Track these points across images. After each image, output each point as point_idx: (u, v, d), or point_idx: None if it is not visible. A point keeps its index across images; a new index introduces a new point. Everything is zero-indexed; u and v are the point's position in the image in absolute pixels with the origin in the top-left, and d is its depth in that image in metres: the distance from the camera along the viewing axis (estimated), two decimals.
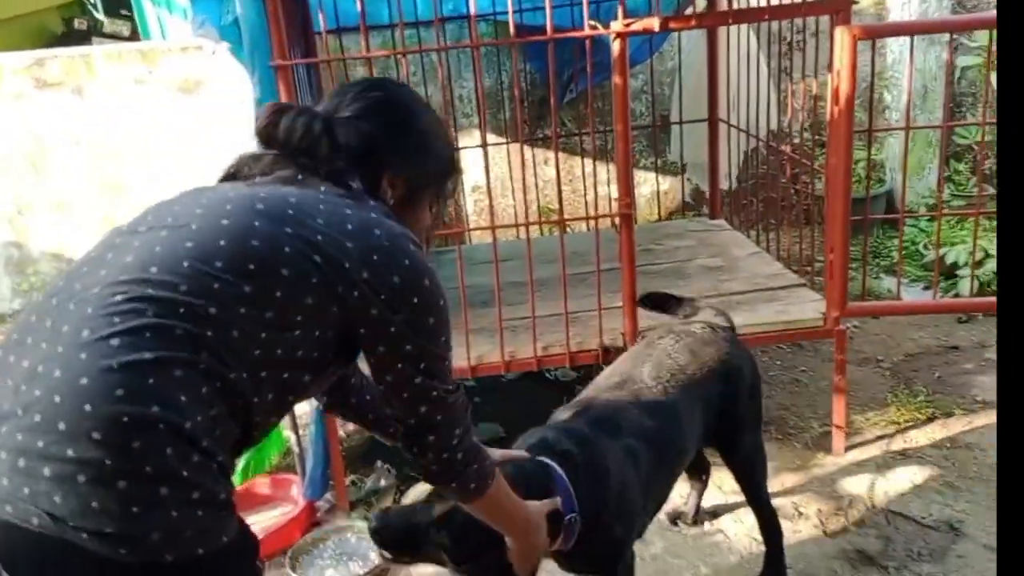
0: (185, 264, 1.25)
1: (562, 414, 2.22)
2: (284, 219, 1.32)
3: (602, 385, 2.35)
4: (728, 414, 2.42)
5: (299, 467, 3.13)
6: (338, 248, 1.34)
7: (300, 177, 1.44)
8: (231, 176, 1.51)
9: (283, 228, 1.31)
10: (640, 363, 2.35)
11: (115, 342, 1.18)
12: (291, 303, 1.30)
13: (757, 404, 2.55)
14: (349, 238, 1.35)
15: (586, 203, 4.51)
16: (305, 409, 3.18)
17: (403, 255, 1.39)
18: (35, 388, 1.18)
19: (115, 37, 7.43)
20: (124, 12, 7.45)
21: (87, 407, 1.15)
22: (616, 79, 2.79)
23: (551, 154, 5.24)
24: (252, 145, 2.83)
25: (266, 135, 1.49)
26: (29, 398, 1.17)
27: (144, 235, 1.32)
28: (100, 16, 7.38)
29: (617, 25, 2.73)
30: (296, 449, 3.11)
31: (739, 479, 2.56)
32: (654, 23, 2.72)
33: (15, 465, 1.15)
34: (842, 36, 2.78)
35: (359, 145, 1.49)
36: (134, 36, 6.92)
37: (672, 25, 2.90)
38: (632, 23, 2.74)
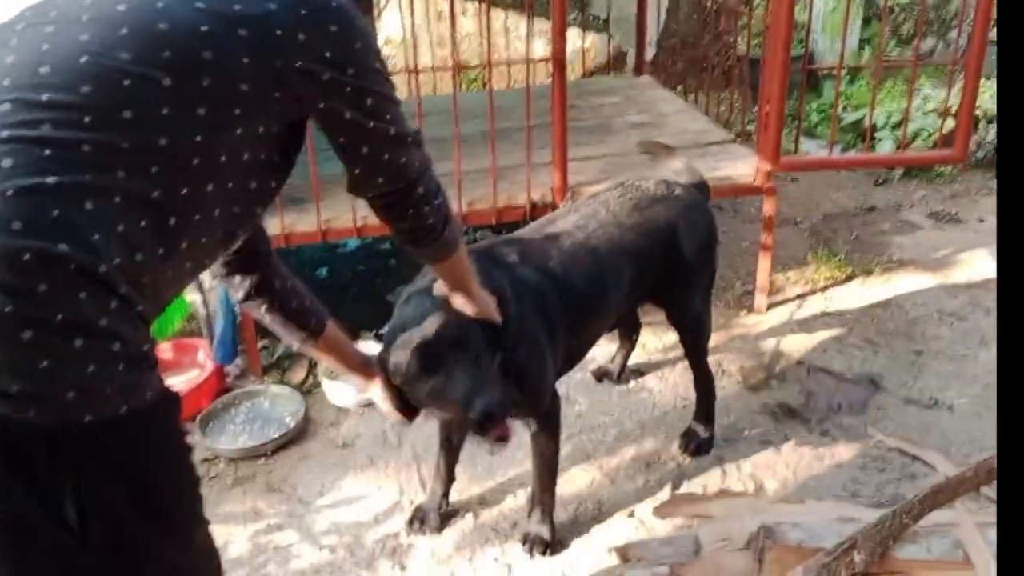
0: (83, 60, 1.01)
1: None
2: None
3: (525, 229, 2.24)
4: (675, 276, 2.32)
5: (205, 331, 2.93)
6: (262, 13, 1.12)
7: None
8: None
9: (193, 3, 1.09)
10: (573, 212, 2.23)
11: (6, 163, 0.96)
12: (224, 93, 1.10)
13: (710, 267, 2.45)
14: None
15: (508, 58, 4.26)
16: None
17: None
18: None
19: None
20: None
21: None
22: None
23: (469, 4, 4.94)
24: None
25: None
26: None
27: (24, 32, 1.07)
28: None
29: None
30: (202, 311, 2.90)
31: (685, 340, 2.51)
32: None
33: None
34: None
35: None
36: None
37: None
38: None
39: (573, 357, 2.25)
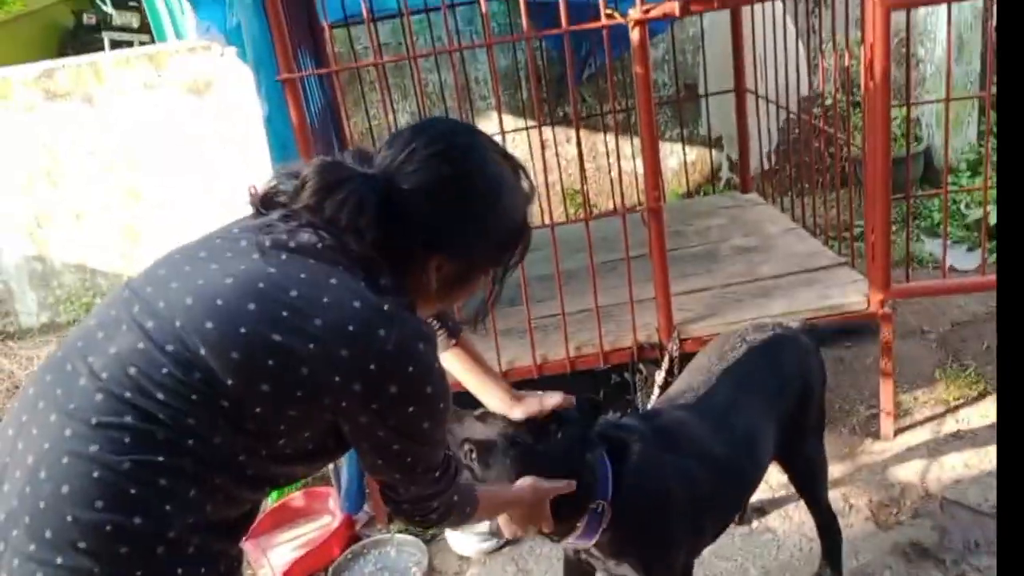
0: (164, 372, 1.18)
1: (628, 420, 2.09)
2: (275, 322, 1.20)
3: (675, 401, 2.19)
4: (796, 423, 2.26)
5: (334, 480, 3.08)
6: (330, 360, 1.21)
7: (321, 247, 1.26)
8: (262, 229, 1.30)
9: (271, 335, 1.19)
10: (716, 380, 2.17)
11: (93, 449, 1.15)
12: (272, 416, 1.23)
13: (823, 409, 2.39)
14: (346, 344, 1.21)
15: (611, 180, 4.37)
16: None
17: (407, 361, 1.25)
18: (25, 483, 1.17)
19: (125, 29, 7.38)
20: (132, 3, 7.39)
21: (69, 517, 1.14)
22: (637, 68, 2.65)
23: (573, 132, 5.10)
24: (261, 146, 2.71)
25: (310, 211, 1.28)
26: (20, 490, 1.17)
27: (134, 322, 1.23)
28: (109, 9, 7.33)
29: (635, 12, 2.58)
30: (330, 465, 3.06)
31: (799, 485, 2.43)
32: (675, 7, 2.54)
33: (12, 565, 1.16)
34: (874, 7, 2.60)
35: (415, 231, 1.30)
36: (144, 27, 6.86)
37: (694, 8, 2.70)
38: (651, 8, 2.58)
39: (717, 536, 2.22)
